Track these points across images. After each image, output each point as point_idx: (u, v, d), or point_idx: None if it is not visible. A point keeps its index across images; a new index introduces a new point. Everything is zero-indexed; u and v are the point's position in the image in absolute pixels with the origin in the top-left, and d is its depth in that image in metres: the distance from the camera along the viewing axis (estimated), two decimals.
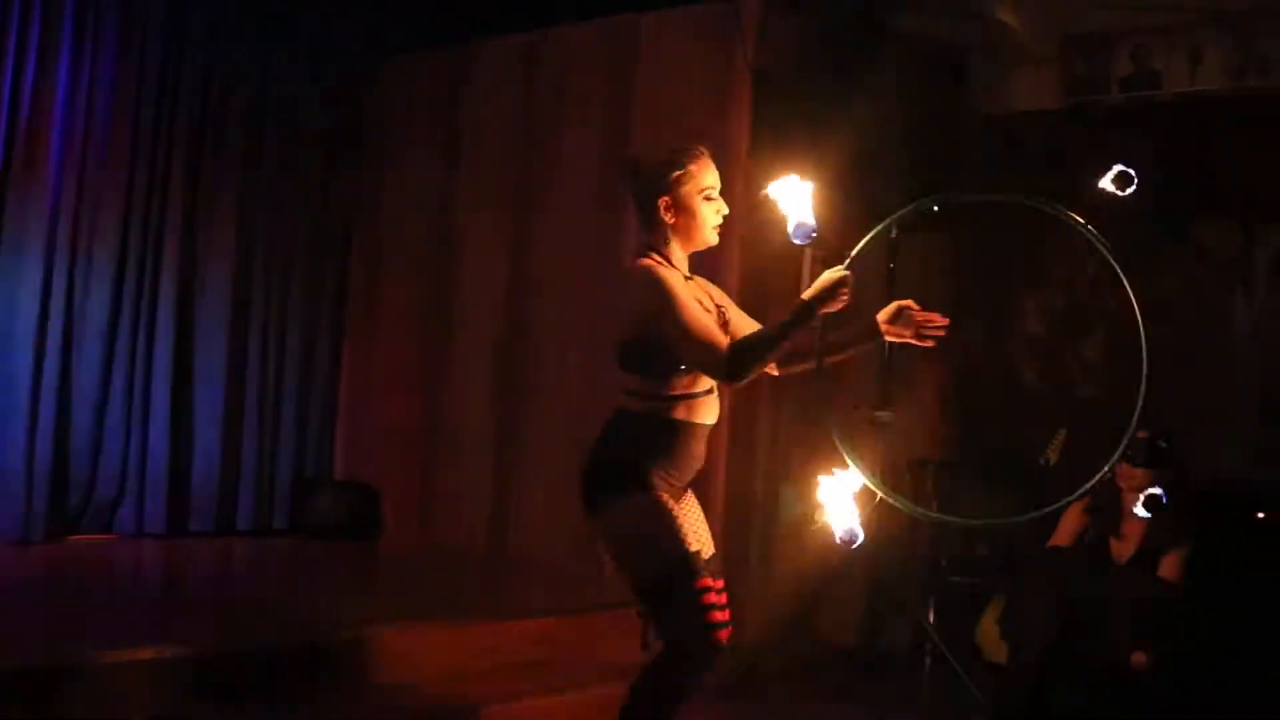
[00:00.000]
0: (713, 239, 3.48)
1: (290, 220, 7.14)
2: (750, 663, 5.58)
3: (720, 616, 3.31)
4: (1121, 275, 3.27)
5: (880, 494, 3.36)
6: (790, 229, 3.31)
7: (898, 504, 3.50)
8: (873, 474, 3.39)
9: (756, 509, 5.85)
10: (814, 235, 3.29)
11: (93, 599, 5.15)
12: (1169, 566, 4.97)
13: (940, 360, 6.80)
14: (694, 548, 3.30)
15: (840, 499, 3.25)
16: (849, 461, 3.35)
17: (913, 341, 3.56)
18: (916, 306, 3.57)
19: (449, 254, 7.04)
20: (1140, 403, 3.40)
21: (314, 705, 4.10)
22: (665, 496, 3.31)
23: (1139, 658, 4.77)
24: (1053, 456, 5.91)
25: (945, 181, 5.84)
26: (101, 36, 6.33)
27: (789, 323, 3.25)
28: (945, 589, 6.08)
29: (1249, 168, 6.07)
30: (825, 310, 3.28)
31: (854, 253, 3.45)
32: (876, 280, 5.96)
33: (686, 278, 3.45)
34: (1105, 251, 3.37)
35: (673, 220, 3.41)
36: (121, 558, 6.16)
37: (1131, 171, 3.52)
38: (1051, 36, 6.60)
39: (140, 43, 6.47)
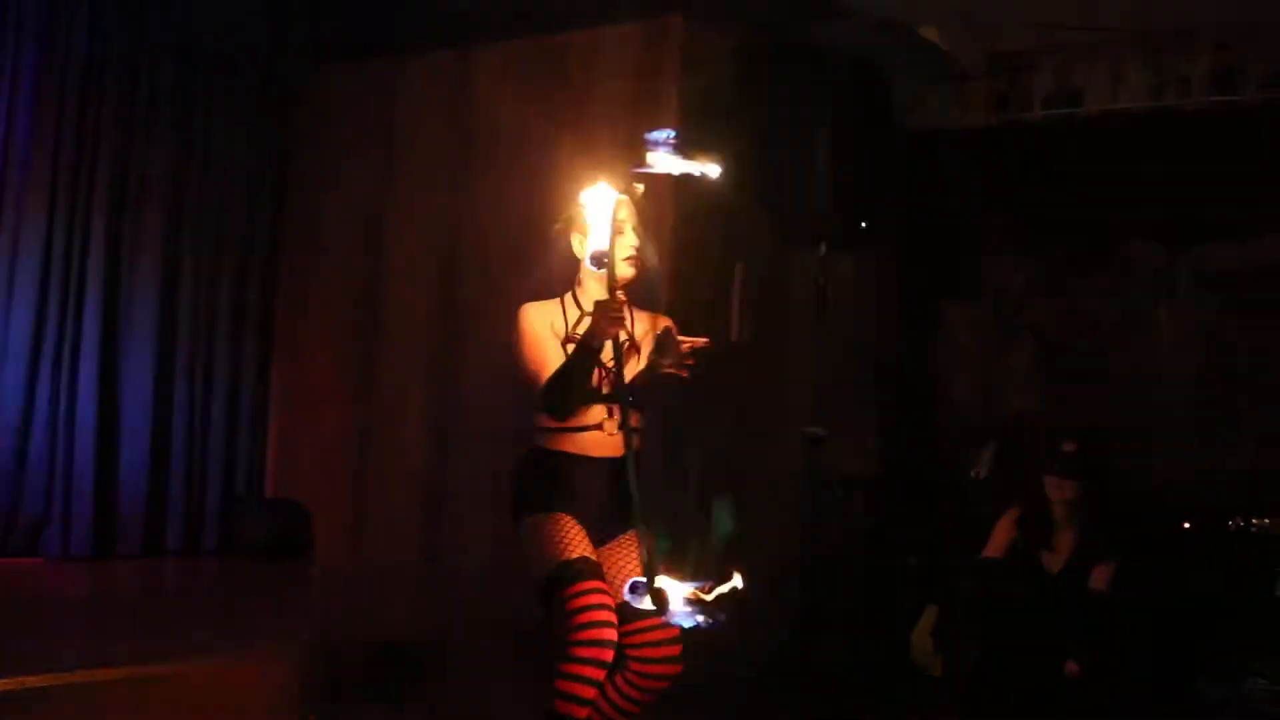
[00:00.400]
0: (626, 271, 3.57)
1: (216, 234, 7.06)
2: (683, 681, 5.58)
3: (594, 617, 3.36)
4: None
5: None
6: (586, 252, 3.45)
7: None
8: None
9: (689, 526, 5.85)
10: (605, 261, 3.33)
11: (15, 623, 5.05)
12: (1099, 578, 5.03)
13: (869, 375, 6.87)
14: (573, 555, 3.47)
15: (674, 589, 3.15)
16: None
17: (674, 371, 3.45)
18: (675, 331, 3.54)
19: (378, 269, 7.00)
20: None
21: None
22: (555, 516, 3.57)
23: (1072, 667, 4.83)
24: (983, 470, 5.97)
25: (870, 199, 5.90)
26: (22, 41, 6.26)
27: (573, 359, 3.47)
28: (877, 605, 6.13)
29: (1171, 184, 6.17)
30: (605, 338, 3.37)
31: (617, 278, 3.42)
32: (801, 295, 6.04)
33: (587, 313, 3.59)
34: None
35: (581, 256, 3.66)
36: (45, 581, 6.05)
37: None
38: (976, 54, 6.69)
39: (62, 55, 6.39)
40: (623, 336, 3.43)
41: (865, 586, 6.33)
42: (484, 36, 6.53)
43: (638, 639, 3.54)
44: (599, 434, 3.59)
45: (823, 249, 6.01)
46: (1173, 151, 6.21)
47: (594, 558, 3.53)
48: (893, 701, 5.46)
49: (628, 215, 3.58)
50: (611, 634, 3.37)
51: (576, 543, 3.51)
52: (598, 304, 3.36)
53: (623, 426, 3.43)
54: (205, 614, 5.54)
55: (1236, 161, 6.05)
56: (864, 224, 5.93)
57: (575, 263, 3.72)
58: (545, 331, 3.58)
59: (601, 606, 3.39)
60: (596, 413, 3.61)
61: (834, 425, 6.23)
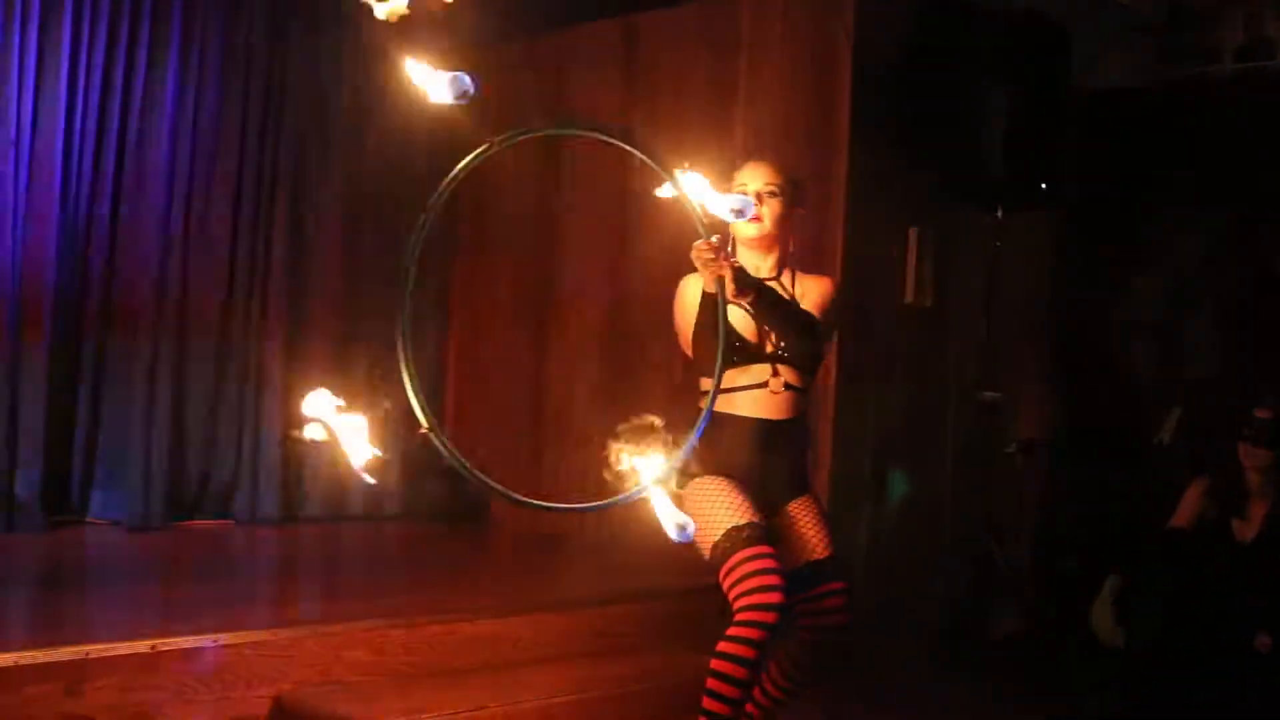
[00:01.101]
0: (749, 231, 3.65)
1: (395, 206, 7.19)
2: (859, 645, 5.57)
3: (760, 582, 3.33)
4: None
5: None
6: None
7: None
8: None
9: (864, 493, 5.82)
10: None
11: (209, 583, 5.26)
12: None
13: (1047, 340, 6.74)
14: (741, 521, 3.42)
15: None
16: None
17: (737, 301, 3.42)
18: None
19: (552, 243, 7.07)
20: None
21: None
22: (717, 479, 3.52)
23: (1264, 640, 4.69)
24: (1166, 436, 5.82)
25: (1048, 161, 5.78)
26: (208, 49, 6.48)
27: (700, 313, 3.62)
28: (1056, 573, 6.03)
29: None
30: (710, 283, 3.37)
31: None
32: (978, 259, 5.95)
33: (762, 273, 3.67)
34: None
35: None
36: (236, 543, 6.30)
37: None
38: (1160, 7, 6.48)
39: (245, 61, 6.60)
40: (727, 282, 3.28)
41: (1043, 554, 6.23)
42: (650, 3, 6.53)
43: (809, 606, 3.56)
44: (761, 392, 3.57)
45: (999, 212, 5.91)
46: None
47: (759, 521, 3.51)
48: (1071, 673, 5.36)
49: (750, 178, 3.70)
50: (777, 597, 3.34)
51: (741, 506, 3.48)
52: (694, 247, 3.31)
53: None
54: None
55: None
56: (1042, 186, 5.82)
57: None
58: (697, 296, 3.62)
59: (768, 571, 3.37)
60: (759, 371, 3.59)
61: (1011, 390, 6.15)
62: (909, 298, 5.91)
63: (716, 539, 3.42)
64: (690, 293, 3.62)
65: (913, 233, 5.92)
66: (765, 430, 3.58)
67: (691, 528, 2.79)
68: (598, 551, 6.31)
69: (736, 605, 3.35)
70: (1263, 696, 4.76)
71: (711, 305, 3.44)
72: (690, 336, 3.63)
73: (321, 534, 6.69)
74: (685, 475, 3.28)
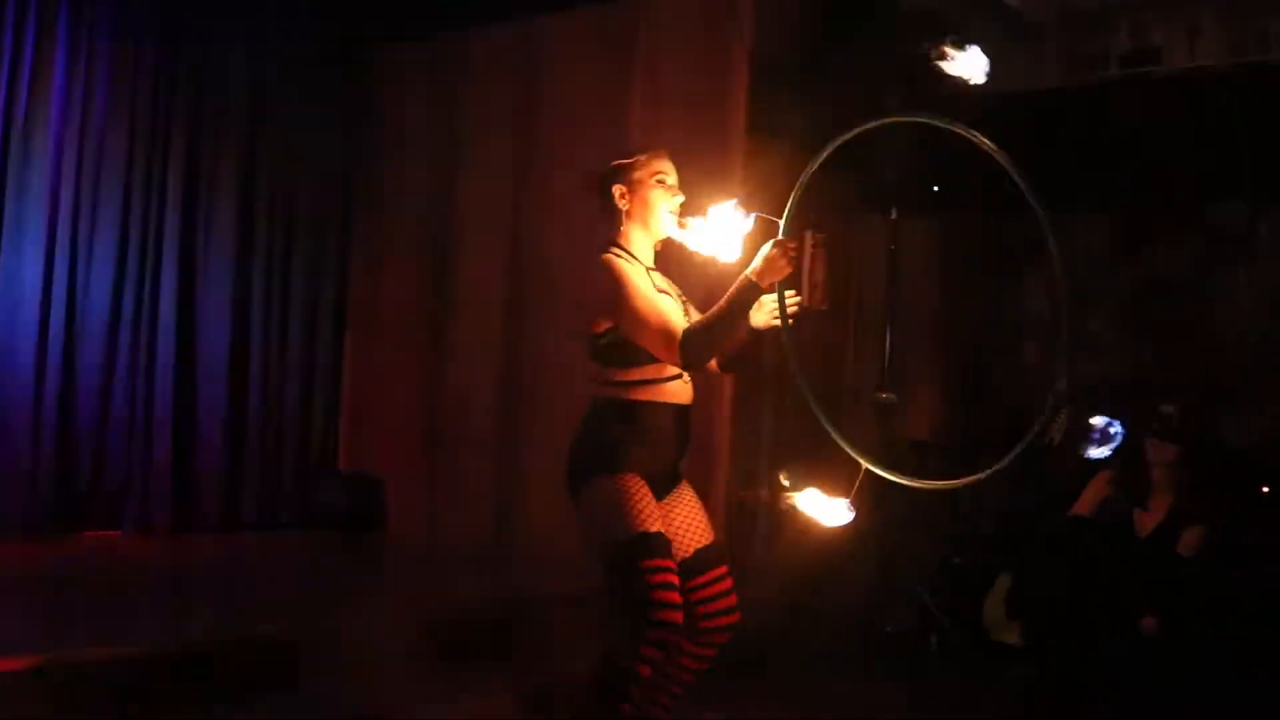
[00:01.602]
0: (668, 225, 3.57)
1: (290, 211, 7.13)
2: (757, 645, 5.59)
3: (669, 597, 3.33)
4: (1036, 205, 3.26)
5: (864, 464, 3.53)
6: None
7: (886, 475, 3.63)
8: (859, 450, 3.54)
9: (761, 492, 5.85)
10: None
11: (95, 594, 5.14)
12: (1188, 543, 4.98)
13: (942, 341, 6.82)
14: (652, 529, 3.38)
15: (806, 493, 3.50)
16: (833, 435, 3.56)
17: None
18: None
19: (448, 244, 7.03)
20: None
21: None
22: (630, 478, 3.43)
23: (1149, 622, 4.78)
24: (1057, 436, 5.90)
25: (943, 163, 5.84)
26: (97, 21, 6.33)
27: (735, 299, 3.38)
28: (950, 570, 6.10)
29: (1251, 144, 6.05)
30: (769, 282, 3.42)
31: (783, 221, 3.48)
32: (877, 264, 6.01)
33: (649, 269, 3.58)
34: (1017, 179, 3.34)
35: (627, 206, 3.58)
36: (125, 553, 6.15)
37: None
38: (1050, 13, 6.58)
39: (136, 33, 6.45)
40: (779, 278, 3.45)
41: (938, 553, 6.29)
42: (548, 7, 6.51)
43: (700, 594, 3.57)
44: (680, 380, 3.55)
45: (894, 214, 5.97)
46: (1253, 109, 6.08)
47: (664, 530, 3.49)
48: (966, 669, 5.43)
49: (674, 178, 3.64)
50: (680, 613, 3.37)
51: (652, 513, 3.44)
52: (777, 243, 3.40)
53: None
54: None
55: None
56: (936, 189, 5.89)
57: (617, 220, 3.62)
58: (641, 280, 3.48)
59: (675, 587, 3.38)
60: None
61: (906, 391, 6.21)
62: (804, 301, 5.93)
63: (628, 537, 3.37)
64: (635, 271, 3.48)
65: (807, 236, 5.93)
66: (684, 415, 3.59)
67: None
68: (490, 559, 6.30)
69: (647, 608, 3.31)
70: (1149, 678, 4.87)
71: (750, 291, 3.39)
72: (662, 315, 3.41)
73: (214, 543, 6.56)
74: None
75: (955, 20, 6.24)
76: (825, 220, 5.40)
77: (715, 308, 3.38)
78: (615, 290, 3.43)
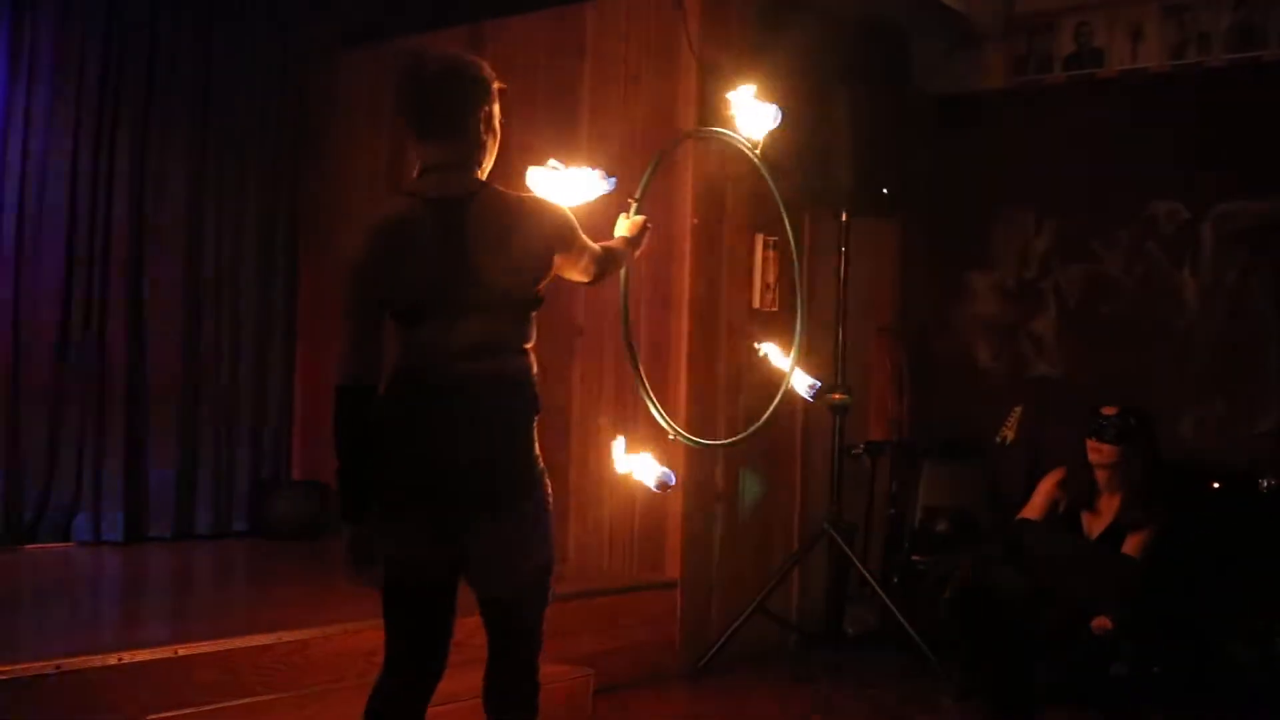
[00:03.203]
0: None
1: (239, 219, 7.07)
2: (715, 648, 5.61)
3: None
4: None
5: (672, 431, 3.47)
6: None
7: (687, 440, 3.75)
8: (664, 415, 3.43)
9: (717, 495, 5.87)
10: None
11: (48, 607, 5.09)
12: (1133, 544, 5.02)
13: (894, 342, 6.87)
14: None
15: (634, 457, 3.24)
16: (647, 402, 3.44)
17: None
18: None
19: None
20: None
21: None
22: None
23: (1102, 623, 4.83)
24: (1009, 435, 5.96)
25: (891, 163, 5.89)
26: (39, 18, 6.26)
27: (622, 250, 3.17)
28: (907, 570, 6.14)
29: (1193, 143, 6.14)
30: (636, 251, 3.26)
31: (639, 195, 3.39)
32: (828, 263, 6.05)
33: None
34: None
35: (487, 138, 2.92)
36: (78, 565, 6.09)
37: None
38: (996, 17, 6.65)
39: (80, 35, 6.39)
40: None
41: (895, 553, 6.33)
42: (496, 11, 6.50)
43: None
44: None
45: (844, 216, 6.01)
46: (1195, 110, 6.17)
47: None
48: (924, 669, 5.47)
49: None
50: None
51: None
52: (639, 221, 3.26)
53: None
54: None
55: (1259, 118, 6.01)
56: (885, 190, 5.93)
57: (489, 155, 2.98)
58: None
59: None
60: None
61: (859, 392, 6.25)
62: (756, 303, 5.98)
63: (552, 559, 2.94)
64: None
65: (759, 239, 5.98)
66: None
67: None
68: None
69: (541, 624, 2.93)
70: (1100, 677, 4.92)
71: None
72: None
73: (168, 554, 6.50)
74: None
75: (904, 25, 6.32)
76: (775, 223, 5.45)
77: (615, 244, 3.16)
78: (573, 228, 2.91)
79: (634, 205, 3.35)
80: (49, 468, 6.32)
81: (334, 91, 7.35)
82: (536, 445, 2.87)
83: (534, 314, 2.88)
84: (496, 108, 2.93)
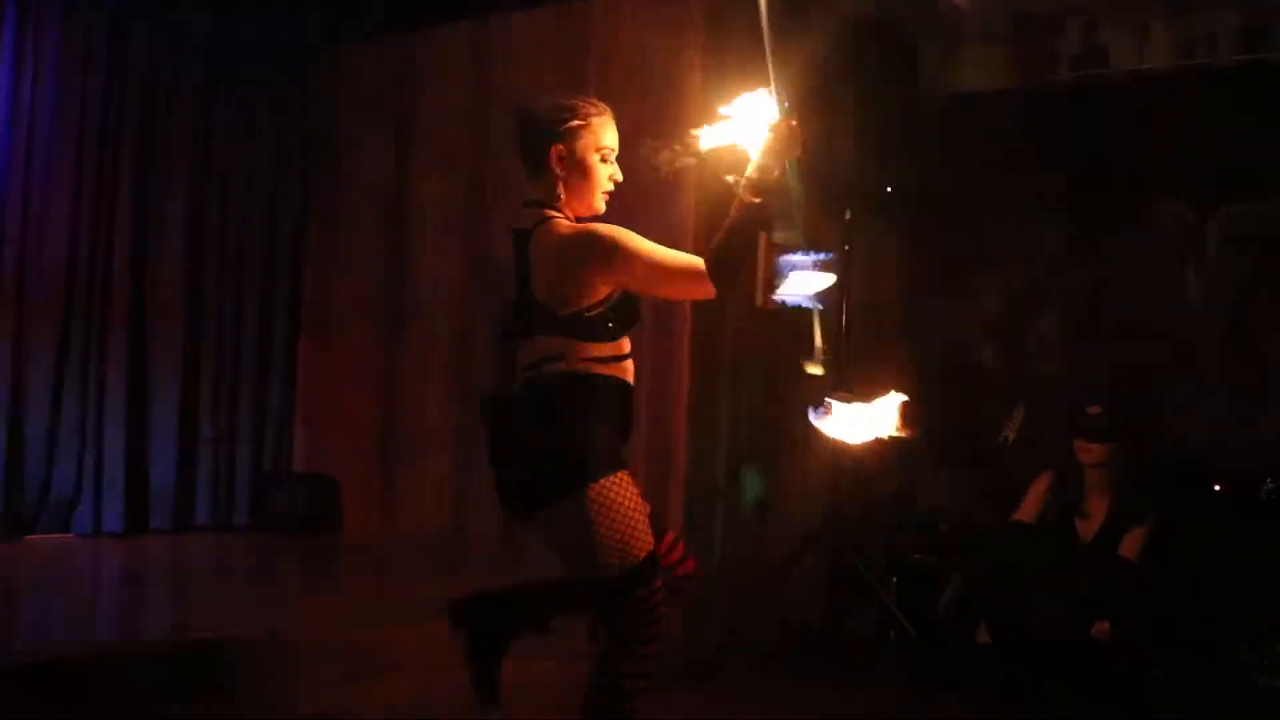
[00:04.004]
0: (600, 206, 3.19)
1: (244, 213, 7.08)
2: (715, 648, 5.59)
3: (662, 616, 3.07)
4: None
5: None
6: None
7: None
8: None
9: (718, 493, 5.85)
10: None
11: (49, 598, 5.09)
12: (1129, 545, 5.00)
13: (897, 341, 6.85)
14: (650, 547, 3.06)
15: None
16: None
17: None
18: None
19: (402, 246, 7.01)
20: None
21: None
22: (625, 478, 3.04)
23: (1101, 627, 4.81)
24: (1011, 434, 5.94)
25: (899, 163, 5.88)
26: (43, 26, 6.26)
27: (741, 218, 3.03)
28: (908, 569, 6.12)
29: (1199, 144, 6.12)
30: (786, 160, 3.15)
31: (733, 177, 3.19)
32: (830, 265, 6.02)
33: None
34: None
35: (564, 174, 3.12)
36: (78, 556, 6.10)
37: None
38: (1002, 16, 6.63)
39: (85, 36, 6.40)
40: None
41: (897, 553, 6.32)
42: (502, 7, 6.50)
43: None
44: (630, 362, 3.16)
45: (848, 214, 5.99)
46: (1201, 110, 6.15)
47: None
48: (925, 668, 5.45)
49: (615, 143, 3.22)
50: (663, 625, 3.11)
51: (647, 522, 3.09)
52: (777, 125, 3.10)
53: None
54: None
55: (1265, 119, 5.99)
56: (889, 189, 5.92)
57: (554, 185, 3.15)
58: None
59: (663, 603, 3.10)
60: (630, 337, 3.18)
61: (861, 391, 6.22)
62: (759, 302, 5.96)
63: (636, 563, 3.02)
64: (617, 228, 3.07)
65: (762, 237, 5.96)
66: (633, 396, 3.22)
67: None
68: (449, 556, 6.28)
69: (650, 624, 3.04)
70: (1101, 682, 4.90)
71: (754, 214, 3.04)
72: (678, 255, 3.05)
73: (168, 546, 6.50)
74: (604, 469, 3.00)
75: (909, 24, 6.30)
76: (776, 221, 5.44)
77: (725, 227, 3.03)
78: (617, 248, 3.00)
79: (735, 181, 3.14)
80: (49, 459, 6.32)
81: (340, 84, 7.34)
82: (599, 449, 3.02)
83: (592, 328, 3.04)
84: (580, 143, 3.13)
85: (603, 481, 3.00)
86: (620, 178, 3.21)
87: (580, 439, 3.02)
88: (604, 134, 3.17)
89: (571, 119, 3.13)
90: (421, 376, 6.88)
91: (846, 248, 5.98)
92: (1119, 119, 6.36)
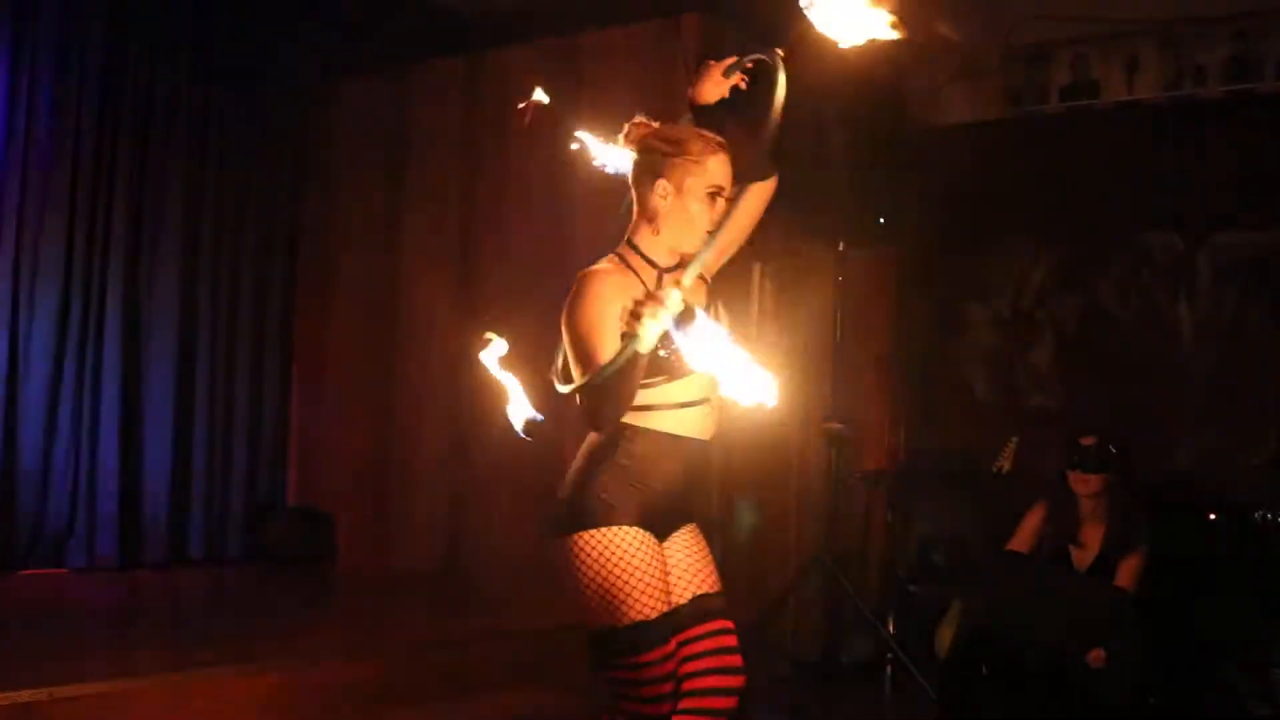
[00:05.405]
0: (699, 240, 2.91)
1: (236, 245, 7.09)
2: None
3: (660, 690, 2.83)
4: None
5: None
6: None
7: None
8: None
9: (713, 525, 5.85)
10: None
11: (41, 634, 5.06)
12: (1125, 574, 5.00)
13: (890, 372, 6.86)
14: (653, 614, 2.81)
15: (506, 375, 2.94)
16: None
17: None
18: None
19: (396, 276, 7.02)
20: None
21: None
22: (630, 534, 2.83)
23: (1097, 653, 4.81)
24: (1005, 465, 5.95)
25: (888, 196, 5.90)
26: (39, 53, 6.29)
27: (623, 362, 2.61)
28: (904, 599, 6.12)
29: (1189, 175, 6.15)
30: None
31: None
32: (821, 293, 6.04)
33: (665, 270, 2.95)
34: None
35: (667, 210, 2.93)
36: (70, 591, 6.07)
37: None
38: (991, 48, 6.67)
39: (79, 67, 6.41)
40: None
41: (892, 582, 6.32)
42: (494, 42, 6.53)
43: (693, 649, 2.93)
44: (703, 408, 2.90)
45: (840, 246, 6.01)
46: (1190, 142, 6.19)
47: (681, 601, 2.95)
48: (921, 699, 5.45)
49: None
50: (668, 704, 2.86)
51: (657, 585, 2.84)
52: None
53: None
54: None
55: (1254, 150, 6.03)
56: (881, 220, 5.94)
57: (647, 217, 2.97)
58: (604, 298, 2.79)
59: (669, 678, 2.85)
60: (701, 384, 2.87)
61: (856, 422, 6.24)
62: (753, 334, 5.98)
63: (626, 625, 2.80)
64: (604, 287, 2.81)
65: (756, 268, 5.99)
66: (700, 453, 2.96)
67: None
68: (444, 590, 6.26)
69: (632, 690, 2.84)
70: (1097, 711, 4.89)
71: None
72: (591, 339, 2.76)
73: (161, 579, 6.48)
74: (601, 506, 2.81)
75: (900, 57, 6.32)
76: (777, 254, 5.48)
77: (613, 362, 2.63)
78: (569, 302, 2.81)
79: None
80: (42, 493, 6.30)
81: (329, 117, 7.37)
82: (597, 498, 2.83)
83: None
84: (689, 180, 2.94)
85: (595, 533, 2.82)
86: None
87: (580, 485, 2.87)
88: (717, 172, 2.98)
89: (679, 154, 2.97)
90: (415, 408, 6.87)
91: (839, 279, 6.01)
92: (1109, 149, 6.39)
